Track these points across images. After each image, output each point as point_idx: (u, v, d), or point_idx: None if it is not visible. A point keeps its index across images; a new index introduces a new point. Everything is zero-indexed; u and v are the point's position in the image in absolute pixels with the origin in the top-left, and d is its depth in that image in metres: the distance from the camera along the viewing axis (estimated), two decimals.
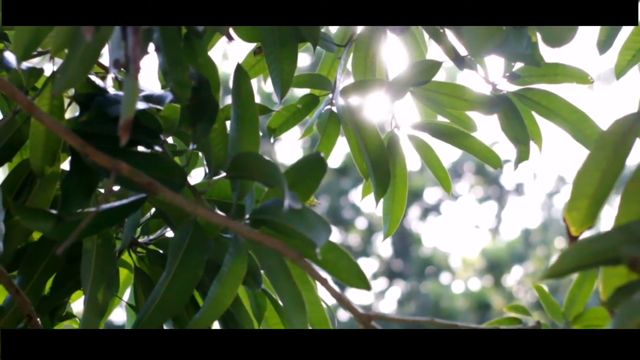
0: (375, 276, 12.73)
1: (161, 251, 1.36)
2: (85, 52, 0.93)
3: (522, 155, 1.51)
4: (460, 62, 1.43)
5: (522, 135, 1.49)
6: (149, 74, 1.41)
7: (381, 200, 1.53)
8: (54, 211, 1.03)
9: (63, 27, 0.97)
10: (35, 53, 1.16)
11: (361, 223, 12.73)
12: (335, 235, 12.50)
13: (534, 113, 1.52)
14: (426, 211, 13.14)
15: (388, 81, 1.53)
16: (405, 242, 12.62)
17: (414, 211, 12.95)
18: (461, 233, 15.86)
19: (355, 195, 11.92)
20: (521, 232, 12.76)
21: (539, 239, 12.52)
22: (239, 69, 1.12)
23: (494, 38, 0.71)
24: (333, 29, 1.73)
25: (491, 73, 1.51)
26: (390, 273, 12.74)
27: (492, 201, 13.47)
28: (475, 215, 14.60)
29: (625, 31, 1.36)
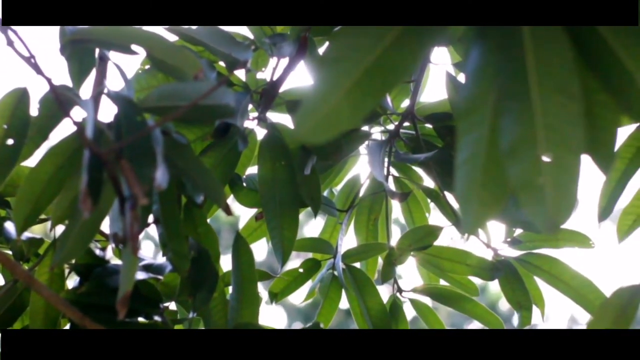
0: None
1: None
2: (85, 225, 0.94)
3: (525, 320, 1.50)
4: (457, 225, 1.44)
5: (524, 301, 1.48)
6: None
7: None
8: None
9: (63, 198, 0.98)
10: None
11: None
12: None
13: (536, 278, 1.52)
14: None
15: (390, 245, 1.53)
16: None
17: None
18: None
19: None
20: None
21: None
22: (239, 239, 1.12)
23: (489, 215, 0.72)
24: (335, 192, 1.74)
25: (493, 238, 1.51)
26: None
27: None
28: None
29: (625, 197, 1.36)
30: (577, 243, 1.48)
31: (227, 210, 0.90)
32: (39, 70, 0.91)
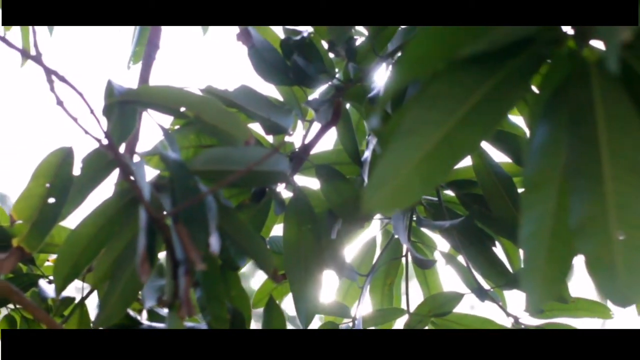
0: None
1: None
2: (126, 287, 0.93)
3: None
4: (481, 293, 1.44)
5: None
6: None
7: None
8: None
9: (104, 259, 0.97)
10: None
11: None
12: None
13: None
14: None
15: (408, 311, 1.52)
16: None
17: None
18: None
19: None
20: None
21: None
22: (271, 303, 1.12)
23: (554, 290, 0.72)
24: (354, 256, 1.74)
25: (512, 306, 1.51)
26: None
27: None
28: None
29: None
30: (597, 313, 1.48)
31: (275, 277, 0.89)
32: (87, 130, 0.91)
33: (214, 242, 0.81)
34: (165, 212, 0.83)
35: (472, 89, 0.70)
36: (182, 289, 0.80)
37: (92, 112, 0.84)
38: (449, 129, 0.69)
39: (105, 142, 0.90)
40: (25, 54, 0.85)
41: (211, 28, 1.81)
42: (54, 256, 1.38)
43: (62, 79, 0.80)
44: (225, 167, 0.89)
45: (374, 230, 1.74)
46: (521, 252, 1.54)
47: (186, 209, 0.82)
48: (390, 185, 0.69)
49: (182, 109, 0.92)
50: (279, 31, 1.34)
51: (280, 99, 1.34)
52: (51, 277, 1.29)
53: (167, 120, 1.44)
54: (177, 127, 1.29)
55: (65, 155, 0.98)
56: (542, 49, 0.71)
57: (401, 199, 0.69)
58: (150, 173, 0.96)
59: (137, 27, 1.70)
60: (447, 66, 0.70)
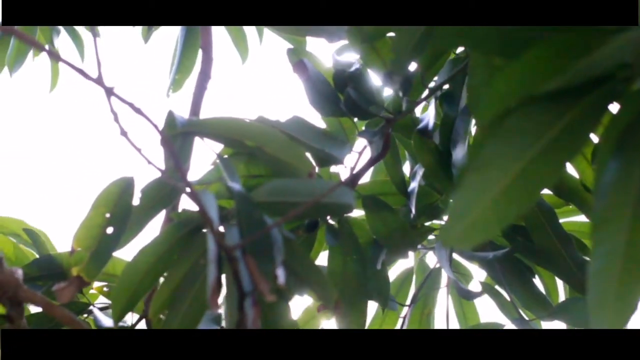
0: None
1: None
2: (185, 318, 0.94)
3: None
4: (522, 324, 1.43)
5: None
6: None
7: None
8: None
9: (163, 289, 0.97)
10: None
11: None
12: None
13: None
14: None
15: None
16: None
17: None
18: None
19: None
20: None
21: None
22: None
23: (623, 325, 0.72)
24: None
25: None
26: None
27: None
28: None
29: None
30: None
31: (337, 309, 0.89)
32: (150, 161, 0.91)
33: (281, 274, 0.82)
34: (230, 243, 0.84)
35: (548, 124, 0.70)
36: (250, 320, 0.80)
37: (164, 142, 0.84)
38: (525, 164, 0.69)
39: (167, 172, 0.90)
40: (96, 82, 0.85)
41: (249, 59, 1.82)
42: (98, 284, 1.38)
43: (139, 111, 0.81)
44: (290, 199, 0.90)
45: (410, 260, 1.75)
46: (560, 283, 1.54)
47: (253, 241, 0.83)
48: (467, 220, 0.69)
49: (244, 140, 0.93)
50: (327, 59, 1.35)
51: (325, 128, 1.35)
52: (98, 305, 1.30)
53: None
54: (225, 156, 1.29)
55: (125, 185, 0.99)
56: (618, 86, 0.71)
57: (478, 234, 0.69)
58: None
59: (177, 54, 1.71)
60: (523, 101, 0.70)
